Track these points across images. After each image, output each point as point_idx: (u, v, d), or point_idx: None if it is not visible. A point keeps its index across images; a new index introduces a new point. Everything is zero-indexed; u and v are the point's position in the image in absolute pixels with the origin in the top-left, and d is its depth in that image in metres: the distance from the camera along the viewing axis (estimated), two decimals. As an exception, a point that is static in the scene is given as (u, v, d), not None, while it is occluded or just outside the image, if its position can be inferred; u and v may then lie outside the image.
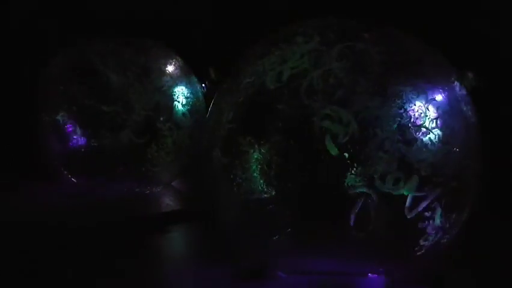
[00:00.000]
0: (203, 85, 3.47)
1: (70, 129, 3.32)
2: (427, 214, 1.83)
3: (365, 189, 1.79)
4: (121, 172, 3.39)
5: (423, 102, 1.82)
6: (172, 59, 3.54)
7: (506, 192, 3.00)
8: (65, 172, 3.51)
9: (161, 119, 3.35)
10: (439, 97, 1.86)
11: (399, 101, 1.79)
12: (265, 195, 1.92)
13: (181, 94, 3.44)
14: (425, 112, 1.81)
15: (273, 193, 1.90)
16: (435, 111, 1.83)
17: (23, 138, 3.69)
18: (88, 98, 3.27)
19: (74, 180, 3.52)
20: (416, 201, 1.80)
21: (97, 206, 3.28)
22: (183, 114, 3.42)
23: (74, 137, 3.31)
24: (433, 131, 1.80)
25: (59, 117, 3.33)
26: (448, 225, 1.91)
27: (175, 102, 3.40)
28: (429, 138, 1.79)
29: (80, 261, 2.41)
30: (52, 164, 3.51)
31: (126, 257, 2.47)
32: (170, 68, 3.48)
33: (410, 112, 1.79)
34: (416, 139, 1.78)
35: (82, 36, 3.55)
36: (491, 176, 2.09)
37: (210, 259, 2.32)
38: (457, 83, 1.96)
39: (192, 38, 4.46)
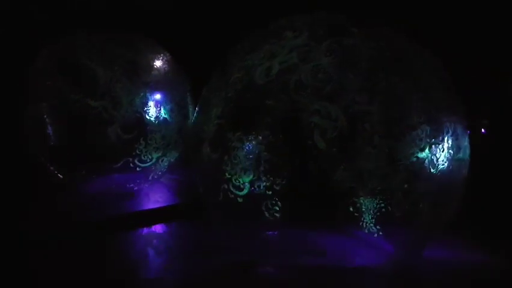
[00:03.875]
0: None
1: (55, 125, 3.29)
2: (413, 209, 1.85)
3: (353, 184, 1.81)
4: (109, 168, 3.36)
5: (411, 98, 1.83)
6: (160, 54, 3.51)
7: (491, 189, 3.05)
8: (51, 168, 3.46)
9: (149, 114, 3.33)
10: (425, 92, 1.88)
11: (387, 97, 1.80)
12: (255, 191, 1.92)
13: (169, 89, 3.42)
14: (413, 107, 1.82)
15: (262, 188, 1.91)
16: (423, 106, 1.84)
17: (8, 134, 3.64)
18: (75, 92, 3.23)
19: (60, 176, 3.48)
20: (402, 196, 1.82)
21: (85, 202, 3.25)
22: (171, 109, 3.40)
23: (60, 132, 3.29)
24: (421, 126, 1.81)
25: (45, 112, 3.30)
26: (433, 220, 1.93)
27: (163, 98, 3.38)
28: (417, 133, 1.80)
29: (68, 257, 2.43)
30: (38, 159, 3.46)
31: (117, 251, 2.49)
32: (158, 63, 3.45)
33: (398, 107, 1.81)
34: (404, 134, 1.79)
35: (69, 31, 3.51)
36: (478, 173, 2.11)
37: (201, 253, 2.32)
38: None
39: (181, 33, 4.43)
